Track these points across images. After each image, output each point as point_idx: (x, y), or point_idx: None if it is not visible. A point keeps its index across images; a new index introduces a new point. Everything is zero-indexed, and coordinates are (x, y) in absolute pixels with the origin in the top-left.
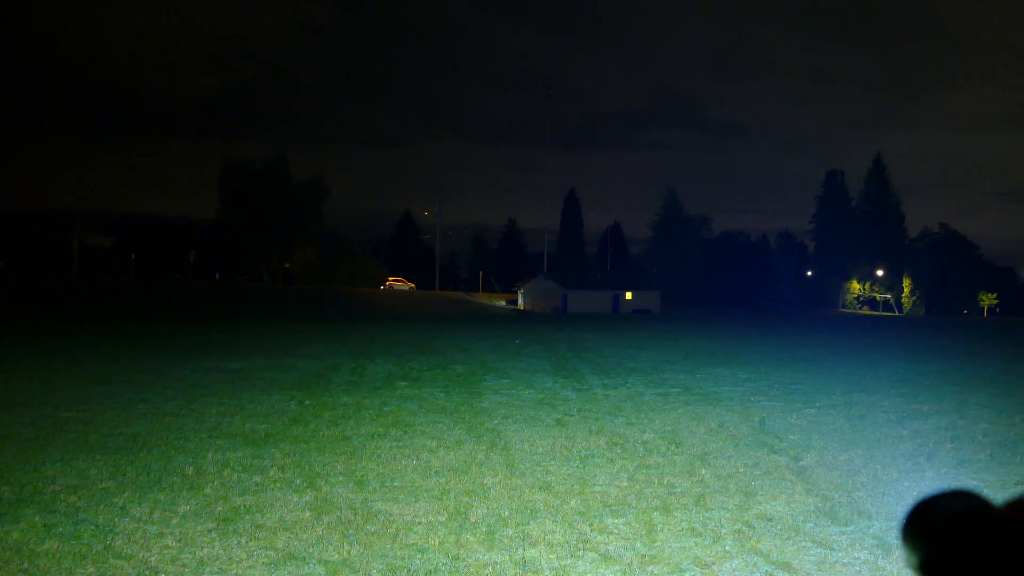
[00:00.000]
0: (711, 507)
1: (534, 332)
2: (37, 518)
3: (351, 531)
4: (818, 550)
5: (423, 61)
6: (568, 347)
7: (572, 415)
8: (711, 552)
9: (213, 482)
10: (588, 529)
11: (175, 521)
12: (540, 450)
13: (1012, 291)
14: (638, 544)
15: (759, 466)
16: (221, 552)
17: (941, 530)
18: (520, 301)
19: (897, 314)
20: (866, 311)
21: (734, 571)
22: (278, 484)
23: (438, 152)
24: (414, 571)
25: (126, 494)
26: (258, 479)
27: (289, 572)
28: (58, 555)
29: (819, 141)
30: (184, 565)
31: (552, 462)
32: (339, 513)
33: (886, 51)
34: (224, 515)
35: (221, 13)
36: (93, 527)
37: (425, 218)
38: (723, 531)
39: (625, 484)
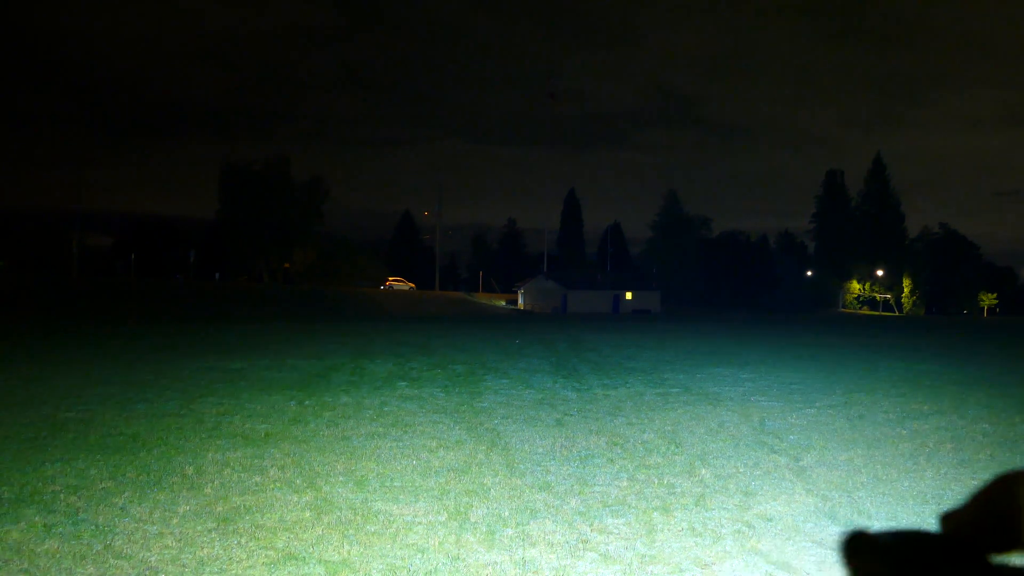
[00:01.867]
0: (711, 507)
1: (534, 332)
2: (37, 518)
3: (351, 531)
4: (818, 550)
5: (423, 61)
6: (568, 347)
7: (572, 415)
8: (711, 552)
9: (213, 482)
10: (588, 529)
11: (175, 521)
12: (540, 450)
13: (1012, 291)
14: (638, 544)
15: (759, 466)
16: (221, 552)
17: (880, 546)
18: (520, 301)
19: (897, 314)
20: (866, 311)
21: (734, 571)
22: (278, 484)
23: (438, 152)
24: (414, 571)
25: (126, 494)
26: (258, 479)
27: (289, 572)
28: (58, 555)
29: (819, 141)
30: (184, 565)
31: (552, 462)
32: (339, 513)
33: (886, 51)
34: (224, 515)
35: (222, 13)
36: (93, 527)
37: (425, 218)
38: (723, 531)
39: (625, 484)
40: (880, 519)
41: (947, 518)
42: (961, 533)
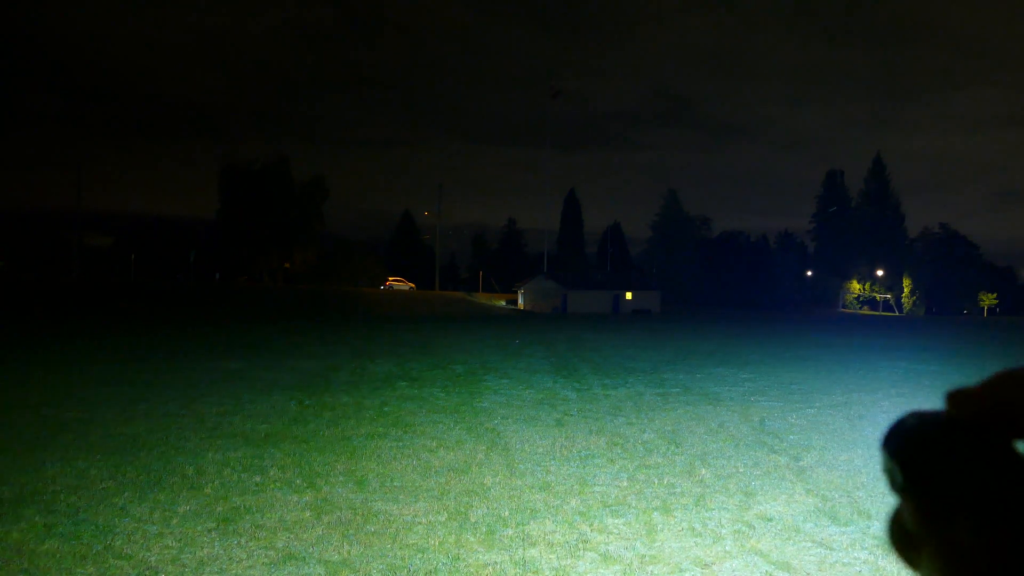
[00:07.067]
0: (711, 507)
1: (534, 332)
2: (37, 518)
3: (351, 531)
4: (818, 550)
5: (424, 61)
6: (568, 347)
7: (572, 415)
8: (711, 552)
9: (213, 482)
10: (588, 529)
11: (175, 521)
12: (540, 450)
13: (1012, 291)
14: (638, 544)
15: (759, 466)
16: (221, 552)
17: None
18: (520, 301)
19: (897, 314)
20: (866, 311)
21: (734, 571)
22: (278, 484)
23: (438, 152)
24: (414, 571)
25: (126, 494)
26: (258, 479)
27: (289, 572)
28: (58, 555)
29: (819, 141)
30: (184, 565)
31: (552, 462)
32: (339, 513)
33: (886, 51)
34: (224, 515)
35: (222, 14)
36: (93, 527)
37: (425, 218)
38: (723, 531)
39: (625, 484)
40: (880, 519)
41: (954, 397)
42: (968, 416)
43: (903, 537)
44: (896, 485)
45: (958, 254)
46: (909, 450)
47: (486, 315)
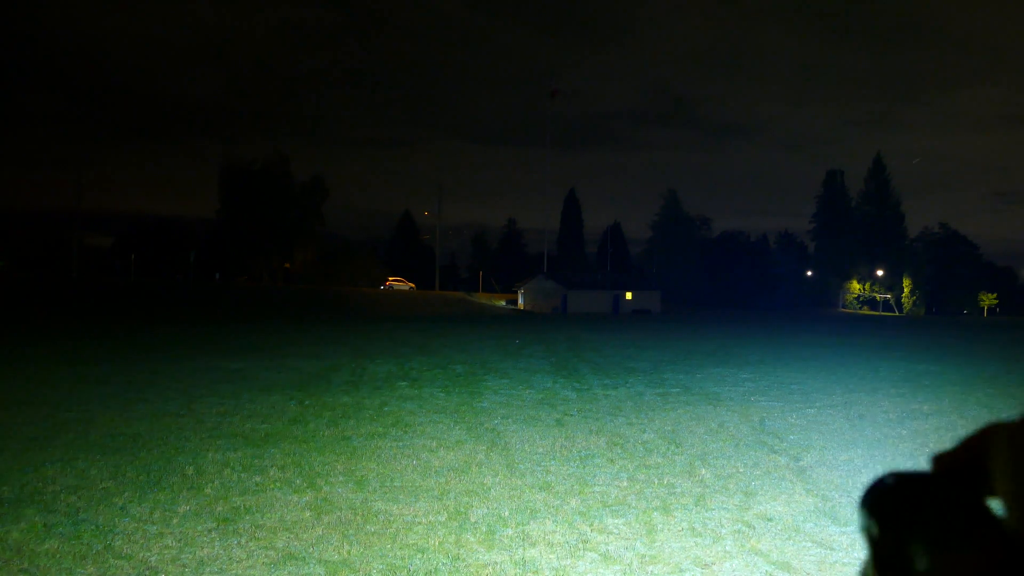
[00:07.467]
0: (711, 507)
1: (534, 332)
2: (37, 518)
3: (351, 531)
4: (818, 550)
5: (423, 61)
6: (568, 347)
7: (572, 415)
8: (711, 552)
9: (213, 482)
10: (588, 529)
11: (175, 521)
12: (540, 450)
13: (1012, 291)
14: (638, 544)
15: (759, 466)
16: (221, 552)
17: (893, 500)
18: (520, 301)
19: (897, 314)
20: (866, 311)
21: (734, 571)
22: (278, 484)
23: (438, 152)
24: (414, 571)
25: (126, 494)
26: (258, 479)
27: (289, 572)
28: (58, 555)
29: (819, 141)
30: (184, 565)
31: (552, 462)
32: (339, 513)
33: (886, 51)
34: (224, 515)
35: (221, 13)
36: (93, 527)
37: (425, 218)
38: (723, 531)
39: (625, 484)
40: None
41: (937, 459)
42: (947, 474)
43: None
44: (872, 540)
45: (958, 254)
46: (887, 505)
47: (486, 315)
